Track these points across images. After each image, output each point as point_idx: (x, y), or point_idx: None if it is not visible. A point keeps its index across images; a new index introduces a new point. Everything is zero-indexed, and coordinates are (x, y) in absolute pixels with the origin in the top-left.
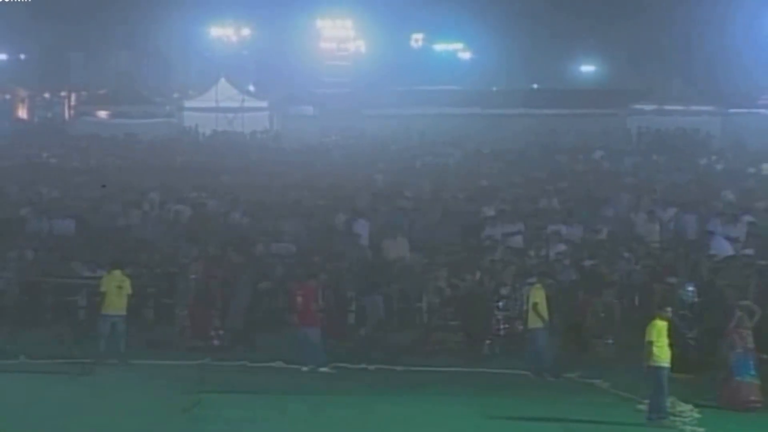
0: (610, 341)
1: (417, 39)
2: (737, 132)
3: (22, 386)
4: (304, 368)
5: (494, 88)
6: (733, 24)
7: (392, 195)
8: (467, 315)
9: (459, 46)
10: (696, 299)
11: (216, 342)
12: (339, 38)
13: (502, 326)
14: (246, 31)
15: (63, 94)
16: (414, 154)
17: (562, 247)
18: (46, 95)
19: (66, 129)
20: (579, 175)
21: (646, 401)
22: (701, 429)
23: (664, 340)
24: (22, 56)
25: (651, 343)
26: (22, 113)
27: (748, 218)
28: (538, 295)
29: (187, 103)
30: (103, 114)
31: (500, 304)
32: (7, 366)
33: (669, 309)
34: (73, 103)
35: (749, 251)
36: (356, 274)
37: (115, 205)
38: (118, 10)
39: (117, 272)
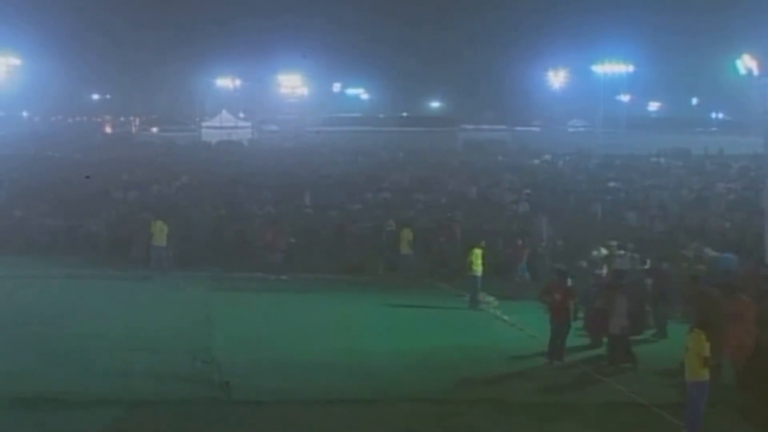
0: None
1: (336, 86)
2: (520, 141)
3: (109, 286)
4: (272, 277)
5: (381, 116)
6: (522, 76)
7: (323, 178)
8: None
9: (361, 90)
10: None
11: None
12: (291, 86)
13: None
14: (238, 82)
15: (131, 118)
16: (335, 154)
17: (420, 206)
18: (121, 119)
19: (132, 139)
20: (430, 166)
21: (468, 296)
22: (499, 311)
23: (479, 261)
24: (107, 96)
25: (471, 262)
26: (107, 130)
27: (526, 190)
28: (408, 234)
29: (204, 124)
30: (154, 130)
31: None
32: (100, 275)
33: (483, 242)
34: (137, 123)
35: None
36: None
37: (161, 183)
38: (163, 67)
39: (160, 221)
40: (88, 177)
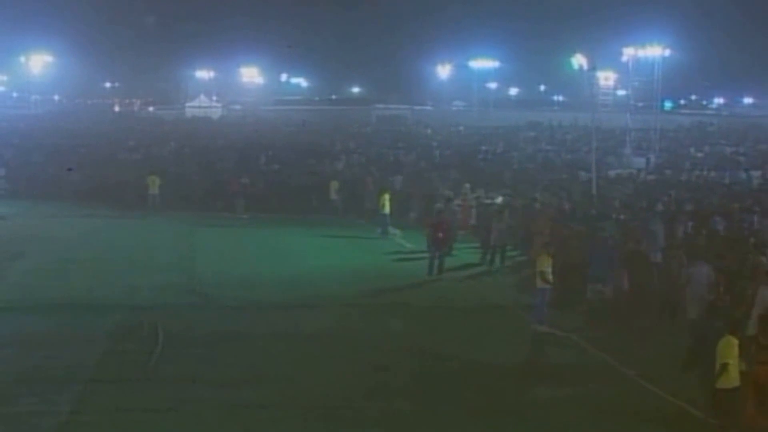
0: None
1: (284, 76)
2: (419, 118)
3: (117, 223)
4: (236, 216)
5: (317, 98)
6: (419, 68)
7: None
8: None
9: (302, 79)
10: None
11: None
12: (251, 76)
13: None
14: (212, 73)
15: (134, 100)
16: (282, 126)
17: (341, 166)
18: (126, 101)
19: (135, 116)
20: (352, 134)
21: (380, 229)
22: (403, 240)
23: (387, 205)
24: (116, 84)
25: (383, 205)
26: (116, 109)
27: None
28: (335, 185)
29: (187, 105)
30: (151, 109)
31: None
32: (110, 215)
33: (387, 196)
34: (138, 104)
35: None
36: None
37: (157, 148)
38: (157, 63)
39: (154, 175)
40: (70, 169)
